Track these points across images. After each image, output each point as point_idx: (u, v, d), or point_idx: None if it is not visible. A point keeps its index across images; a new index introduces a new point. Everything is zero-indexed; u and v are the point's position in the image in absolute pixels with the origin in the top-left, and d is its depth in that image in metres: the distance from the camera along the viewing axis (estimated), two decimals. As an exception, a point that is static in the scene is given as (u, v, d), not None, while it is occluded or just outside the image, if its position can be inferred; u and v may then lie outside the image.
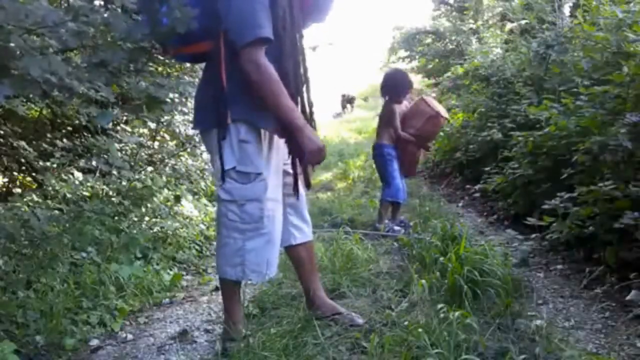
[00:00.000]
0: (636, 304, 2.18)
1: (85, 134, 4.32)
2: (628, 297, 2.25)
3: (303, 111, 1.92)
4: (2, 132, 3.65)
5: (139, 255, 3.09)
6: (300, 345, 1.84)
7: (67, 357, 2.09)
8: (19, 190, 3.72)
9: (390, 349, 1.75)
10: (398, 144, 4.03)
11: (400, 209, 4.16)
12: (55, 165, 3.81)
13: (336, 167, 7.91)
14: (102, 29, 1.67)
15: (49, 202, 3.42)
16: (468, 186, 5.60)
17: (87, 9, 1.59)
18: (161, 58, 2.86)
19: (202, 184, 5.16)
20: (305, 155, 1.85)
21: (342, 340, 1.90)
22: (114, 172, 3.98)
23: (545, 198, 2.99)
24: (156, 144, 5.06)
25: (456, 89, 7.82)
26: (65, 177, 3.77)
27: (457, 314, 1.80)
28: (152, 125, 4.84)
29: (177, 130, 4.97)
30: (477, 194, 5.07)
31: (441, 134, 6.10)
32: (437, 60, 11.63)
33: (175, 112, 4.62)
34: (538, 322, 1.91)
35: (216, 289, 2.78)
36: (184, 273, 3.25)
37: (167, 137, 5.26)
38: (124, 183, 3.94)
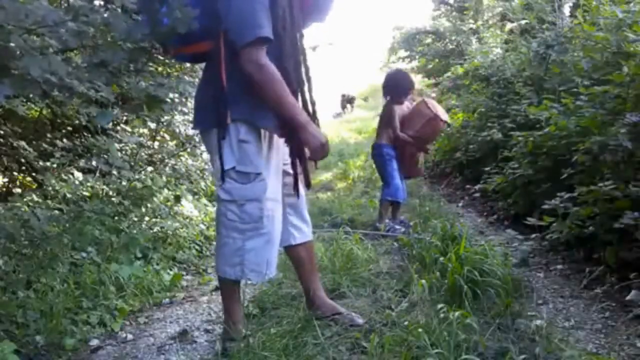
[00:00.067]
0: (636, 304, 2.18)
1: (85, 134, 4.32)
2: (628, 297, 2.25)
3: (305, 109, 1.92)
4: (2, 132, 3.65)
5: (139, 255, 3.10)
6: (300, 345, 1.84)
7: (67, 357, 2.09)
8: (19, 190, 3.72)
9: (390, 349, 1.75)
10: (397, 145, 4.03)
11: (400, 209, 4.17)
12: (55, 165, 3.81)
13: (336, 167, 7.91)
14: (102, 29, 1.67)
15: (49, 202, 3.42)
16: (468, 186, 5.60)
17: (87, 9, 1.59)
18: (161, 58, 2.86)
19: (202, 184, 5.16)
20: (309, 152, 1.86)
21: (342, 340, 1.90)
22: (114, 172, 3.98)
23: (545, 198, 2.99)
24: (156, 144, 5.06)
25: (456, 89, 7.82)
26: (65, 177, 3.77)
27: (457, 314, 1.80)
28: (152, 125, 4.84)
29: (177, 130, 4.98)
30: (477, 194, 5.07)
31: (441, 134, 6.10)
32: (437, 60, 11.62)
33: (175, 112, 4.62)
34: (538, 322, 1.91)
35: (216, 289, 2.78)
36: (184, 273, 3.25)
37: (167, 137, 5.26)
38: (124, 183, 3.94)
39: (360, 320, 2.07)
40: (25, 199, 3.31)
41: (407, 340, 1.76)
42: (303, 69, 1.94)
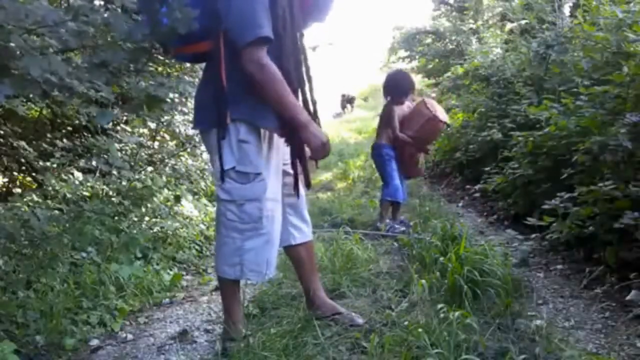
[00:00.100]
0: (636, 304, 2.18)
1: (85, 134, 4.32)
2: (628, 297, 2.25)
3: (306, 109, 1.93)
4: (2, 132, 3.65)
5: (139, 255, 3.10)
6: (300, 345, 1.84)
7: (67, 357, 2.09)
8: (19, 190, 3.72)
9: (390, 349, 1.75)
10: (396, 145, 4.04)
11: (400, 209, 4.17)
12: (55, 165, 3.81)
13: (336, 167, 7.91)
14: (102, 29, 1.67)
15: (49, 202, 3.42)
16: (468, 186, 5.60)
17: (87, 9, 1.59)
18: (161, 58, 2.86)
19: (202, 184, 5.16)
20: (310, 152, 1.86)
21: (342, 340, 1.90)
22: (114, 172, 3.98)
23: (545, 198, 2.99)
24: (156, 144, 5.06)
25: (456, 89, 7.81)
26: (65, 177, 3.77)
27: (457, 314, 1.80)
28: (152, 125, 4.84)
29: (177, 130, 4.98)
30: (477, 194, 5.07)
31: (441, 134, 6.10)
32: (437, 60, 11.61)
33: (175, 112, 4.62)
34: (538, 322, 1.92)
35: (216, 289, 2.78)
36: (184, 273, 3.25)
37: (167, 137, 5.26)
38: (124, 183, 3.94)
39: (360, 320, 2.07)
40: (25, 199, 3.31)
41: (407, 340, 1.76)
42: (304, 69, 1.94)
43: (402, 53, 13.51)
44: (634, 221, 2.32)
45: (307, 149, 1.92)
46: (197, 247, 3.72)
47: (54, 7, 1.89)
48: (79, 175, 3.86)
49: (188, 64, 4.19)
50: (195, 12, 1.57)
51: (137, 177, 4.11)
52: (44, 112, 4.07)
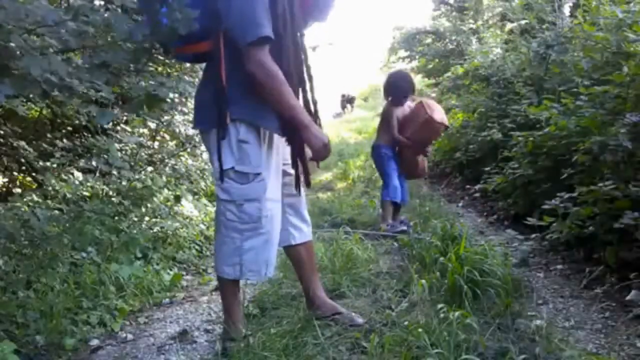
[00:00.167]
0: (636, 304, 2.18)
1: (85, 134, 4.32)
2: (628, 297, 2.25)
3: (307, 109, 1.93)
4: (2, 132, 3.65)
5: (139, 255, 3.09)
6: (300, 345, 1.84)
7: (67, 357, 2.09)
8: (19, 190, 3.72)
9: (390, 349, 1.75)
10: (396, 146, 4.04)
11: (400, 209, 4.16)
12: (55, 165, 3.81)
13: (336, 167, 7.90)
14: (102, 29, 1.67)
15: (49, 202, 3.42)
16: (468, 186, 5.60)
17: (87, 9, 1.59)
18: (161, 58, 2.86)
19: (202, 184, 5.16)
20: (311, 152, 1.86)
21: (342, 340, 1.90)
22: (114, 172, 3.98)
23: (545, 198, 2.99)
24: (156, 144, 5.06)
25: (456, 89, 7.81)
26: (65, 177, 3.77)
27: (457, 314, 1.80)
28: (152, 125, 4.84)
29: (177, 130, 4.97)
30: (477, 194, 5.08)
31: (442, 134, 6.09)
32: (437, 60, 11.60)
33: (175, 112, 4.62)
34: (538, 322, 1.92)
35: (216, 289, 2.78)
36: (184, 273, 3.25)
37: (167, 137, 5.26)
38: (124, 183, 3.94)
39: (360, 320, 2.07)
40: (25, 199, 3.31)
41: (407, 340, 1.76)
42: (304, 68, 1.94)
43: (402, 53, 13.50)
44: (634, 221, 2.32)
45: (307, 150, 1.92)
46: (197, 247, 3.72)
47: (54, 7, 1.89)
48: (79, 175, 3.86)
49: (188, 64, 4.19)
50: (196, 13, 1.57)
51: (137, 177, 4.10)
52: (44, 112, 4.06)
